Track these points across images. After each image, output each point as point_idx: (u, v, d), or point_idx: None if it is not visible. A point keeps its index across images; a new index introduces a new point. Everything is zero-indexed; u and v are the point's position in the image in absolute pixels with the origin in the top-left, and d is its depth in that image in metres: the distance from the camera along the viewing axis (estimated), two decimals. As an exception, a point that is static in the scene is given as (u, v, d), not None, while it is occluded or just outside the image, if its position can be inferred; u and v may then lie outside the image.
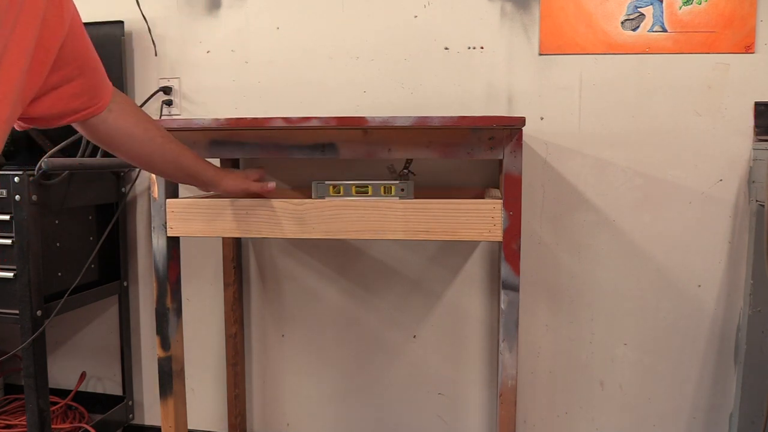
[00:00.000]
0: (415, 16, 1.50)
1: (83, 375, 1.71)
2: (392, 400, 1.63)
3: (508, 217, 1.08)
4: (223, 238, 1.59)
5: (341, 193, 1.15)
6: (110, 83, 0.87)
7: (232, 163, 1.55)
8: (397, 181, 1.15)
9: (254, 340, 1.68)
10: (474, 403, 1.60)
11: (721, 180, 1.43)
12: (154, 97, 1.60)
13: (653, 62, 1.43)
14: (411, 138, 1.13)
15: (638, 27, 1.42)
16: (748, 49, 1.39)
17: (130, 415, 1.72)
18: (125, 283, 1.67)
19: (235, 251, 1.59)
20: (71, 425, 1.60)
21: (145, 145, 0.95)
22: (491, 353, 1.57)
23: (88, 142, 1.49)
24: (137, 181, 1.66)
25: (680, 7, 1.40)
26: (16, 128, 0.82)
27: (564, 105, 1.47)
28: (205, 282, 1.68)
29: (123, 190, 1.62)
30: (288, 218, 1.13)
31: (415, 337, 1.60)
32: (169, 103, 1.61)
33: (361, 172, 1.55)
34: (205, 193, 1.19)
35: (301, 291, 1.64)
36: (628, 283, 1.50)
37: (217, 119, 1.13)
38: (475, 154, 1.12)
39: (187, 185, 1.20)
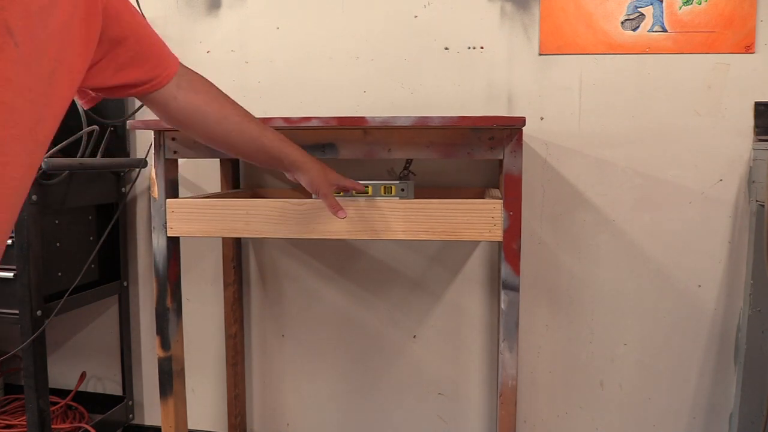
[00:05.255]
0: (415, 16, 1.50)
1: (83, 375, 1.71)
2: (392, 400, 1.63)
3: (508, 217, 1.08)
4: (223, 238, 1.59)
5: (341, 193, 1.15)
6: (176, 59, 0.84)
7: (232, 163, 1.55)
8: (398, 181, 1.15)
9: (254, 340, 1.68)
10: (474, 403, 1.60)
11: (721, 180, 1.43)
12: (154, 97, 1.60)
13: (653, 62, 1.43)
14: (411, 138, 1.13)
15: (638, 27, 1.42)
16: (748, 49, 1.39)
17: (130, 415, 1.72)
18: (125, 283, 1.67)
19: (235, 251, 1.59)
20: (71, 425, 1.60)
21: (221, 124, 0.91)
22: (491, 353, 1.57)
23: (88, 142, 1.48)
24: (137, 181, 1.66)
25: (680, 7, 1.40)
26: (84, 107, 0.80)
27: (564, 105, 1.47)
28: (205, 282, 1.68)
29: (123, 190, 1.62)
30: (288, 218, 1.13)
31: (415, 337, 1.60)
32: (169, 103, 1.61)
33: (361, 172, 1.55)
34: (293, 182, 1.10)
35: (301, 291, 1.64)
36: (628, 283, 1.50)
37: (217, 119, 1.12)
38: (475, 154, 1.12)
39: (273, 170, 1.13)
